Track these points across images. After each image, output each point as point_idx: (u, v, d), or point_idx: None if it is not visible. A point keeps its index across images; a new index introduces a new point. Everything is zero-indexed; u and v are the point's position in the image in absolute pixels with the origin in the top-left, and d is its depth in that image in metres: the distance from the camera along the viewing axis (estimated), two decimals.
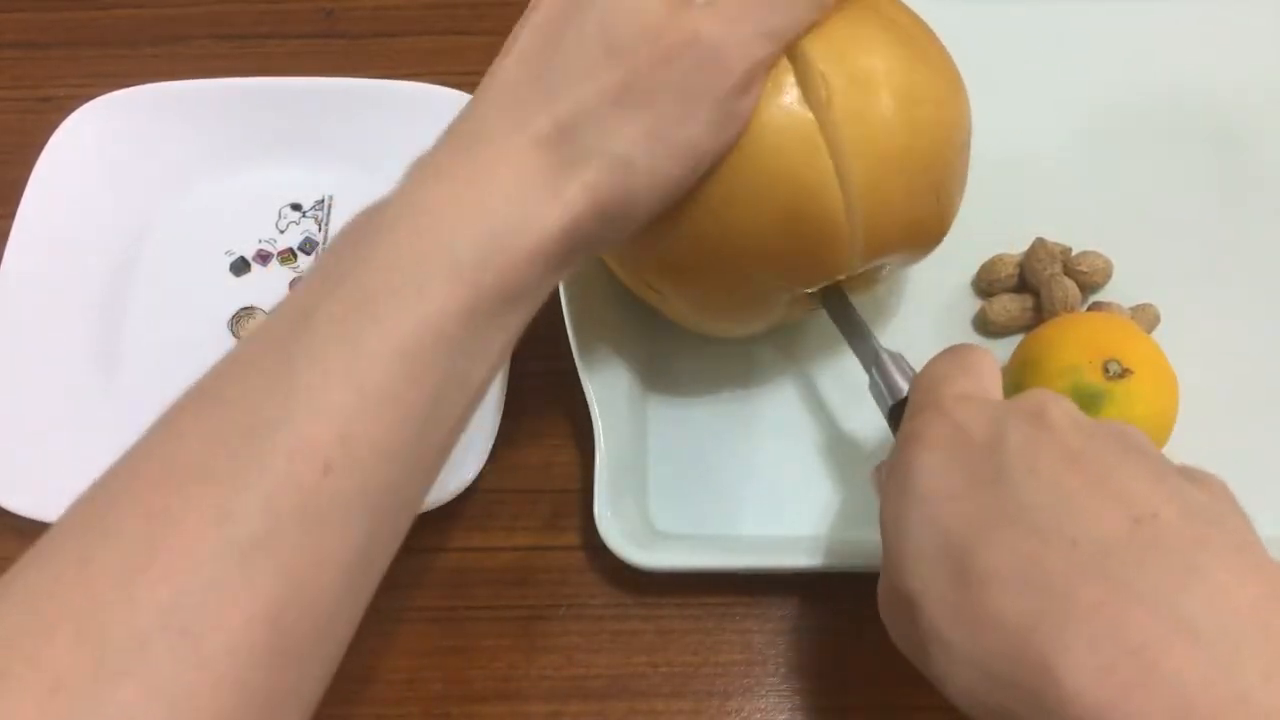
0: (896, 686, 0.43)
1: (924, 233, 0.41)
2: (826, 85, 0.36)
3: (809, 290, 0.42)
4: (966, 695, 0.31)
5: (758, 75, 0.36)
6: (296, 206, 0.53)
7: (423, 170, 0.35)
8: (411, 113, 0.52)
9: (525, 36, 0.35)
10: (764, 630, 0.44)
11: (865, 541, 0.45)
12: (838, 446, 0.47)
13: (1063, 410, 0.34)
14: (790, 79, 0.37)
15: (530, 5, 0.36)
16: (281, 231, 0.53)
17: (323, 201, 0.53)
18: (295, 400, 0.30)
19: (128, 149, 0.53)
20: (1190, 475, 0.33)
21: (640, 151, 0.34)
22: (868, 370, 0.42)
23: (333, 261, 0.34)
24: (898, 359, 0.41)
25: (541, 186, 0.33)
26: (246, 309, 0.51)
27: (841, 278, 0.41)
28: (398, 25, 0.58)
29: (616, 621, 0.45)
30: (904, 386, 0.40)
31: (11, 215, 0.50)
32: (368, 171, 0.53)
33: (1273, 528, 0.45)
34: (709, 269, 0.39)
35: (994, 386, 0.37)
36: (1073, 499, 0.31)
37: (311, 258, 0.52)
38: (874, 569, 0.44)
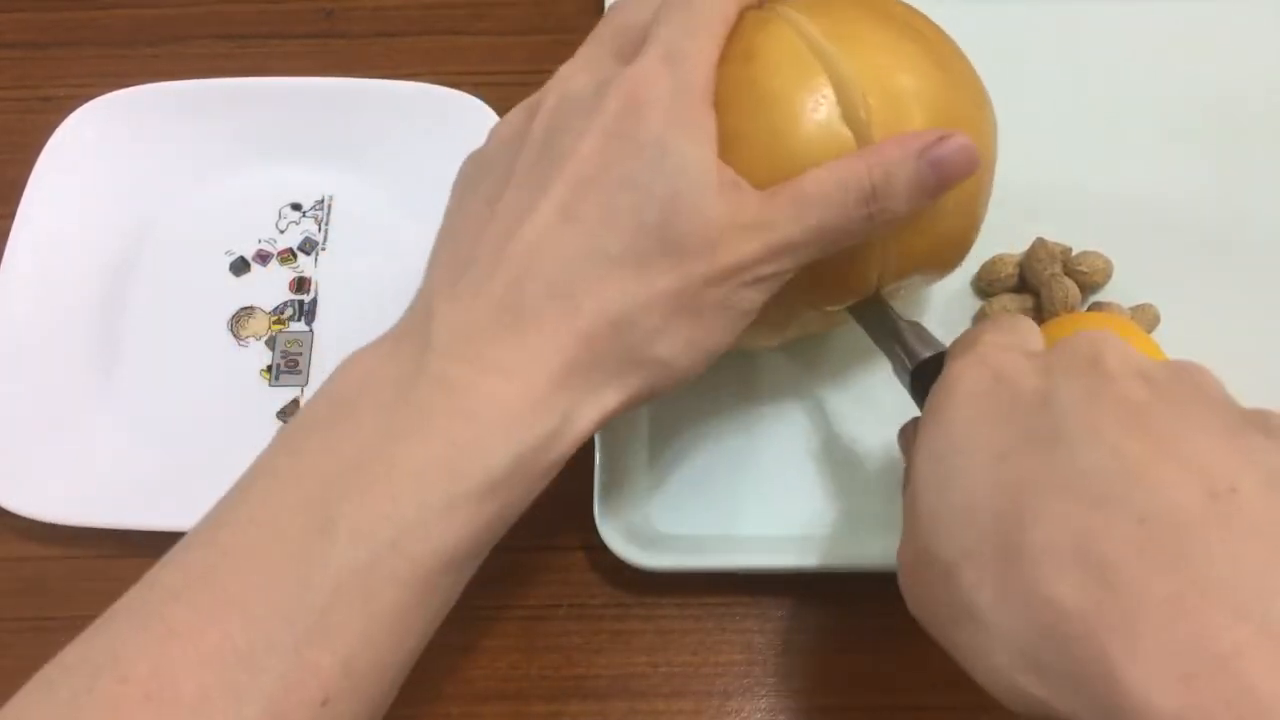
0: (897, 686, 0.43)
1: (951, 251, 0.41)
2: (866, 106, 0.35)
3: (834, 308, 0.41)
4: (1000, 679, 0.28)
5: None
6: (296, 206, 0.53)
7: (464, 331, 0.32)
8: (411, 113, 0.52)
9: (564, 189, 0.33)
10: (764, 630, 0.44)
11: (865, 541, 0.45)
12: (837, 447, 0.47)
13: (1121, 355, 0.30)
14: (830, 96, 0.36)
15: (565, 144, 0.34)
16: (281, 231, 0.53)
17: (323, 201, 0.53)
18: (303, 623, 0.29)
19: (128, 149, 0.53)
20: (1267, 426, 0.29)
21: (681, 357, 0.34)
22: (887, 349, 0.40)
23: (356, 424, 0.31)
24: (916, 327, 0.39)
25: (583, 389, 0.33)
26: (246, 309, 0.51)
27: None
28: (398, 25, 0.58)
29: (616, 621, 0.45)
30: (922, 351, 0.38)
31: (11, 215, 0.50)
32: (368, 171, 0.53)
33: None
34: None
35: (1036, 342, 0.34)
36: (1139, 466, 0.27)
37: (311, 258, 0.52)
38: (874, 569, 0.44)
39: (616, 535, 0.43)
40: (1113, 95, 0.54)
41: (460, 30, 0.58)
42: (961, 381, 0.32)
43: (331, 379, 0.33)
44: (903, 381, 0.39)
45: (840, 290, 0.40)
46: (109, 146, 0.52)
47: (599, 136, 0.33)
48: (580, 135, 0.33)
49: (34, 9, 0.59)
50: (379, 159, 0.53)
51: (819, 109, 0.36)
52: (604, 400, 0.33)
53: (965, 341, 0.35)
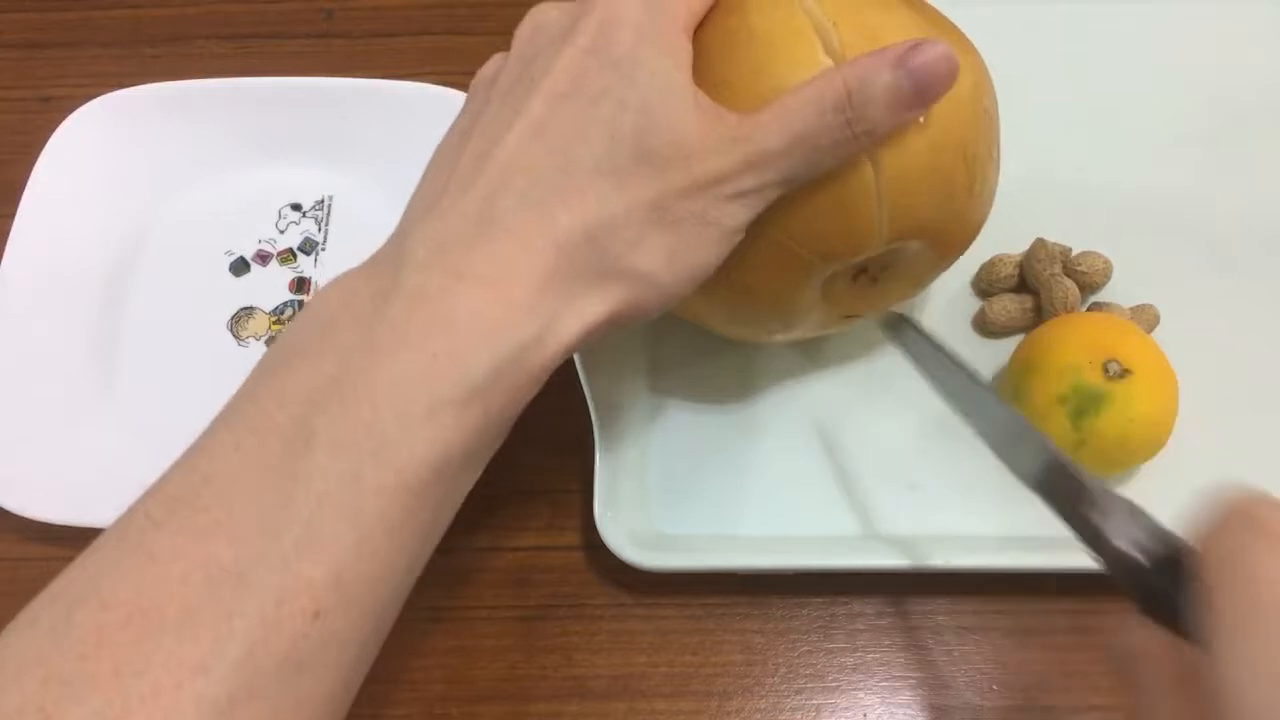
0: (898, 685, 0.43)
1: (951, 217, 0.40)
2: (842, 43, 0.36)
3: (837, 268, 0.40)
4: None
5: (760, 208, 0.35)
6: (296, 206, 0.53)
7: (438, 244, 0.32)
8: (411, 113, 0.52)
9: (539, 105, 0.33)
10: (764, 630, 0.44)
11: (865, 541, 0.45)
12: (838, 447, 0.47)
13: None
14: (810, 35, 0.36)
15: (538, 67, 0.34)
16: (281, 231, 0.53)
17: (323, 201, 0.53)
18: (289, 536, 0.28)
19: (128, 149, 0.53)
20: None
21: (663, 271, 0.33)
22: (1080, 529, 0.32)
23: (335, 342, 0.31)
24: (1132, 509, 0.31)
25: (563, 297, 0.32)
26: (246, 309, 0.51)
27: (868, 255, 0.39)
28: (398, 25, 0.58)
29: (616, 621, 0.45)
30: (1149, 544, 0.30)
31: (11, 215, 0.50)
32: (368, 171, 0.53)
33: None
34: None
35: None
36: None
37: (311, 258, 0.52)
38: (873, 568, 0.44)
39: (616, 535, 0.43)
40: (1113, 95, 0.54)
41: (460, 30, 0.58)
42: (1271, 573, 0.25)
43: (310, 303, 0.33)
44: (1117, 579, 0.31)
45: (841, 240, 0.38)
46: (109, 146, 0.52)
47: (573, 54, 0.33)
48: (554, 56, 0.34)
49: (34, 9, 0.59)
50: (379, 159, 0.53)
51: (798, 46, 0.36)
52: (585, 310, 0.33)
53: (1234, 521, 0.27)
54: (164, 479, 0.31)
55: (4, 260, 0.50)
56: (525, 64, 0.35)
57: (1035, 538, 0.45)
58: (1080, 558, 0.45)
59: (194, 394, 0.49)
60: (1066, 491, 0.33)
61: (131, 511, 0.30)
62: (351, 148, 0.53)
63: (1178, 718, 0.27)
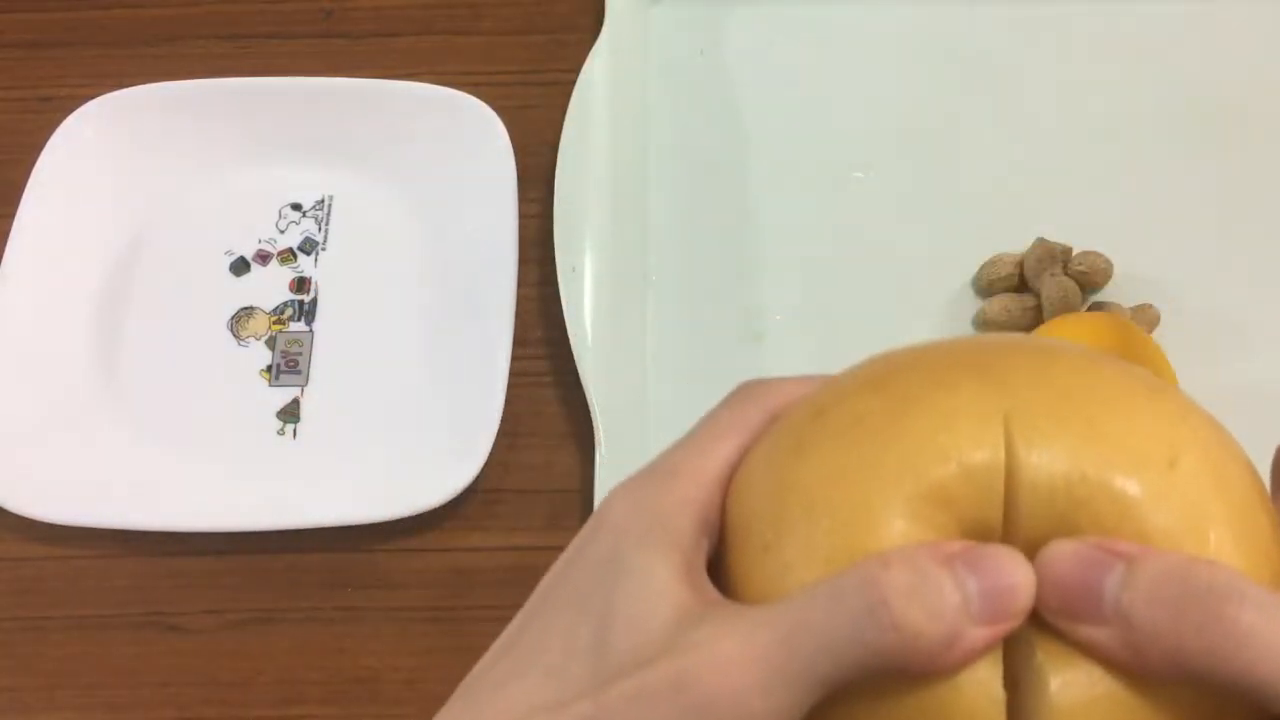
0: None
1: None
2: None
3: None
4: None
5: None
6: (296, 206, 0.53)
7: None
8: (411, 113, 0.52)
9: (515, 622, 0.29)
10: None
11: None
12: None
13: None
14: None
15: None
16: (281, 231, 0.53)
17: (323, 201, 0.53)
18: None
19: (128, 149, 0.53)
20: None
21: None
22: None
23: None
24: None
25: None
26: (246, 309, 0.51)
27: None
28: (398, 25, 0.58)
29: None
30: None
31: (11, 215, 0.50)
32: (368, 171, 0.53)
33: None
34: None
35: None
36: None
37: (311, 258, 0.52)
38: None
39: None
40: (1113, 95, 0.54)
41: (460, 30, 0.58)
42: None
43: None
44: None
45: None
46: (109, 146, 0.52)
47: (557, 566, 0.30)
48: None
49: (34, 9, 0.59)
50: (379, 159, 0.53)
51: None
52: None
53: None
54: None
55: (4, 260, 0.50)
56: None
57: None
58: None
59: (194, 394, 0.49)
60: None
61: None
62: (351, 148, 0.53)
63: None
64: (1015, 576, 0.22)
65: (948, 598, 0.22)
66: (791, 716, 0.23)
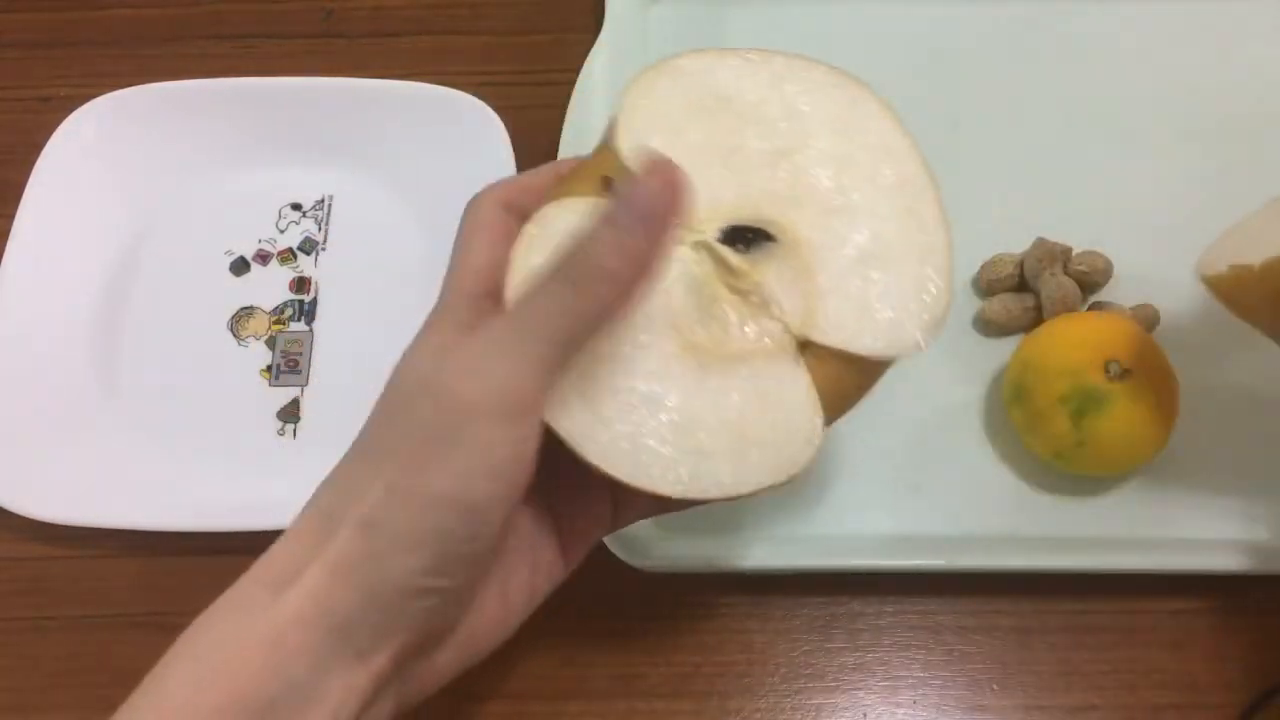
0: (899, 684, 0.43)
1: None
2: None
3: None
4: None
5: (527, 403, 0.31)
6: (296, 206, 0.53)
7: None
8: (411, 113, 0.52)
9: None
10: (764, 630, 0.44)
11: (865, 541, 0.45)
12: (838, 446, 0.47)
13: None
14: None
15: None
16: (281, 231, 0.53)
17: (323, 201, 0.53)
18: None
19: (128, 149, 0.53)
20: None
21: (381, 511, 0.30)
22: None
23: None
24: None
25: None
26: (246, 309, 0.51)
27: None
28: (398, 25, 0.58)
29: (617, 621, 0.45)
30: None
31: (11, 215, 0.50)
32: (368, 171, 0.53)
33: (1273, 531, 0.45)
34: None
35: None
36: None
37: (311, 257, 0.52)
38: (873, 568, 0.44)
39: (617, 536, 0.43)
40: (1113, 95, 0.54)
41: (460, 30, 0.58)
42: None
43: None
44: None
45: None
46: (109, 146, 0.52)
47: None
48: None
49: (34, 9, 0.59)
50: (379, 159, 0.53)
51: None
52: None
53: None
54: None
55: (4, 260, 0.50)
56: None
57: (1035, 538, 0.45)
58: (1080, 558, 0.45)
59: (194, 394, 0.49)
60: None
61: None
62: (351, 148, 0.53)
63: None
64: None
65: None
66: (534, 386, 0.30)
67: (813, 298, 0.34)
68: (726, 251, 0.34)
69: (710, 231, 0.34)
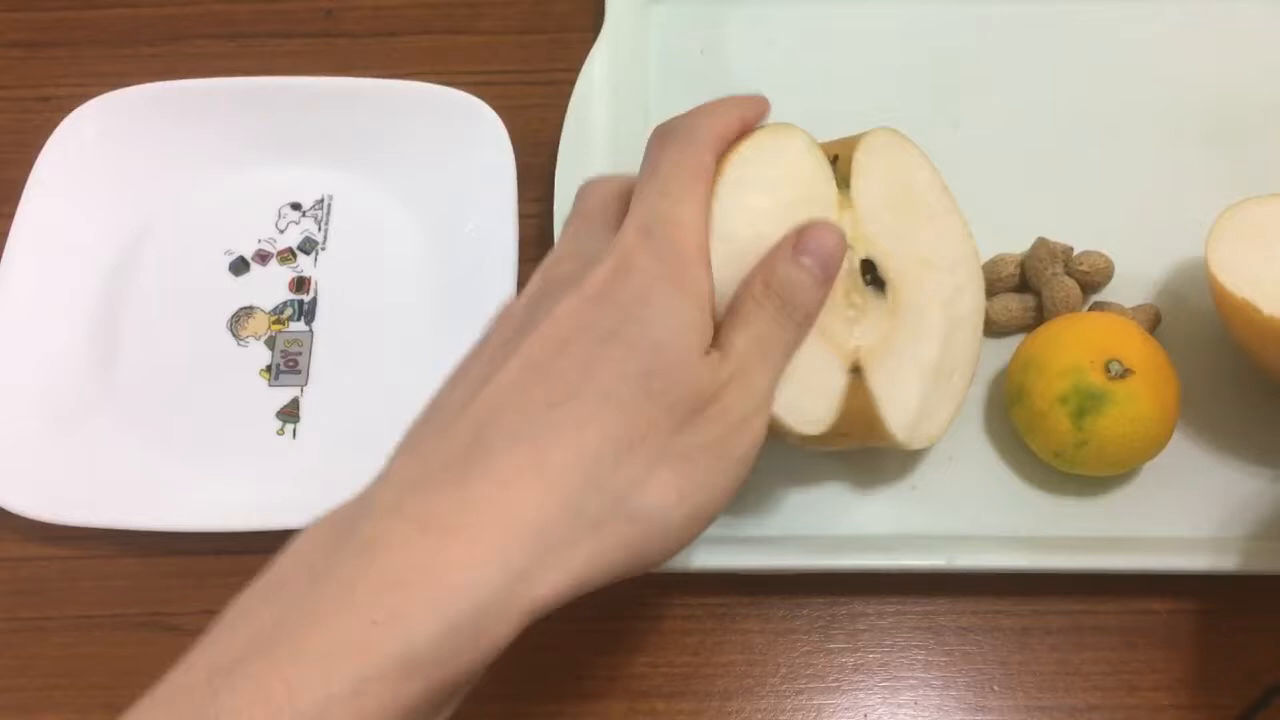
0: (899, 685, 0.43)
1: None
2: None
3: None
4: None
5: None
6: (296, 206, 0.53)
7: (410, 487, 0.30)
8: (411, 113, 0.52)
9: (536, 347, 0.32)
10: (764, 630, 0.44)
11: (865, 541, 0.45)
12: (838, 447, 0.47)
13: None
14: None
15: (542, 310, 0.33)
16: (281, 231, 0.53)
17: (323, 201, 0.53)
18: None
19: (128, 149, 0.53)
20: None
21: (674, 509, 0.31)
22: None
23: (278, 602, 0.29)
24: None
25: (545, 547, 0.29)
26: (246, 309, 0.51)
27: None
28: (398, 25, 0.58)
29: (617, 621, 0.45)
30: None
31: (11, 215, 0.50)
32: (368, 171, 0.53)
33: (1273, 531, 0.45)
34: None
35: None
36: None
37: (311, 257, 0.52)
38: (873, 568, 0.44)
39: None
40: (1113, 95, 0.54)
41: (460, 30, 0.58)
42: None
43: (286, 546, 0.31)
44: None
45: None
46: (109, 146, 0.52)
47: (577, 302, 0.32)
48: (556, 303, 0.32)
49: (34, 9, 0.59)
50: (379, 159, 0.53)
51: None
52: (573, 561, 0.30)
53: None
54: None
55: (4, 260, 0.50)
56: (529, 311, 0.34)
57: (1035, 538, 0.45)
58: (1080, 558, 0.45)
59: (194, 394, 0.49)
60: None
61: None
62: (351, 148, 0.53)
63: None
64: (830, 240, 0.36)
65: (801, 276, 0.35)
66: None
67: (880, 351, 0.40)
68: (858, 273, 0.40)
69: (860, 250, 0.40)
